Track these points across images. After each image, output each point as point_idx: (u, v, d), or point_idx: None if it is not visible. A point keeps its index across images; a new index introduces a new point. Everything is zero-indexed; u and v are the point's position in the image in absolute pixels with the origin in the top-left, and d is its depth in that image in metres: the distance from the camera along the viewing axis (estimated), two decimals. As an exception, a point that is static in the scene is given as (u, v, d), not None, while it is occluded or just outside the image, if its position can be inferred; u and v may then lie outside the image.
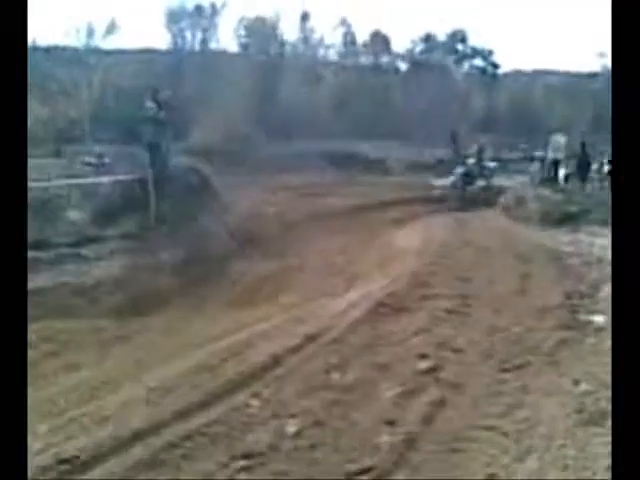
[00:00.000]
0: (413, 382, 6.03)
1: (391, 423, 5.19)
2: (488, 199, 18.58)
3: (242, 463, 4.62)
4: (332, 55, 30.34)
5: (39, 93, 20.84)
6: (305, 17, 29.20)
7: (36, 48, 24.42)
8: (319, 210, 14.29)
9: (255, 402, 5.64)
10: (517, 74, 32.82)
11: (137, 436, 4.97)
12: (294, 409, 5.47)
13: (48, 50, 24.54)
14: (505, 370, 6.34)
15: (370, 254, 11.92)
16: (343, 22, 29.50)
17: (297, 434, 5.06)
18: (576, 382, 5.69)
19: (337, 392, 5.83)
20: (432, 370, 6.32)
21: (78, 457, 4.65)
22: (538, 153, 20.90)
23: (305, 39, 29.39)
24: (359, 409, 5.49)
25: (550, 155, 18.97)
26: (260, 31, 27.45)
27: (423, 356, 6.65)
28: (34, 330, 7.95)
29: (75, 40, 26.02)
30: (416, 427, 5.13)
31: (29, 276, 9.08)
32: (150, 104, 12.95)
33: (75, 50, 25.44)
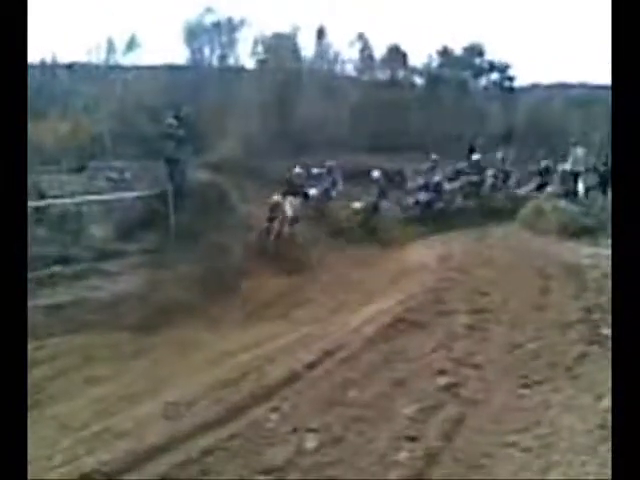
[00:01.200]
0: (432, 398, 6.01)
1: (411, 439, 5.17)
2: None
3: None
4: (349, 70, 30.44)
5: (60, 109, 21.12)
6: (321, 33, 29.37)
7: (57, 65, 24.82)
8: (335, 225, 14.18)
9: (274, 417, 5.66)
10: (535, 87, 32.64)
11: (157, 451, 5.00)
12: (313, 424, 5.47)
13: (70, 67, 24.90)
14: (525, 386, 6.30)
15: (386, 269, 11.81)
16: (360, 37, 29.59)
17: (316, 450, 5.06)
18: (598, 397, 5.63)
19: (355, 408, 5.82)
20: (451, 386, 6.30)
21: (99, 471, 4.69)
22: (555, 165, 20.61)
23: (322, 54, 29.54)
24: (378, 425, 5.47)
25: (569, 168, 18.81)
26: (277, 47, 27.62)
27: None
28: (55, 344, 8.07)
29: (95, 57, 26.37)
30: (436, 443, 5.11)
31: (51, 290, 9.33)
32: (170, 120, 13.07)
33: (96, 67, 25.73)
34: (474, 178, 18.59)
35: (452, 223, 16.29)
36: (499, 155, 19.63)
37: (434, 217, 16.74)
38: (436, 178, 17.74)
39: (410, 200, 17.37)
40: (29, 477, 4.55)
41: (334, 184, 15.78)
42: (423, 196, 17.37)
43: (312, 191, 14.50)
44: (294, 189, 12.97)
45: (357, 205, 15.29)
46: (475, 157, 18.99)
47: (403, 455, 4.94)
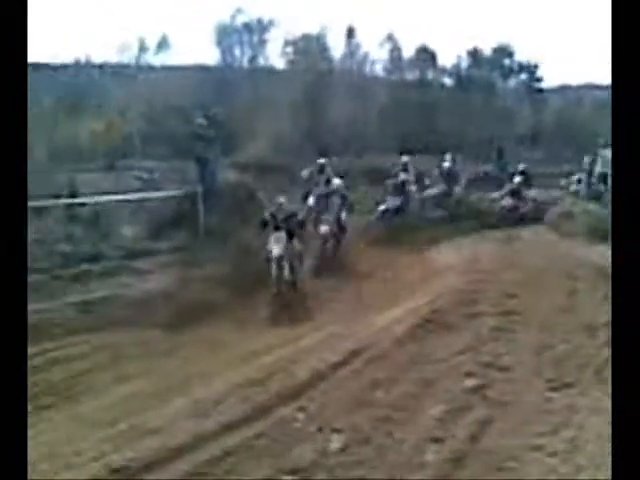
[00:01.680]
0: (460, 400, 6.01)
1: (437, 441, 5.18)
2: None
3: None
4: (378, 70, 30.37)
5: (92, 109, 21.37)
6: (351, 33, 29.35)
7: (90, 64, 25.11)
8: (360, 226, 14.02)
9: (301, 416, 5.70)
10: (565, 88, 32.31)
11: (184, 448, 5.07)
12: (339, 424, 5.50)
13: (101, 67, 25.18)
14: (553, 389, 6.26)
15: (411, 271, 11.70)
16: (389, 37, 29.51)
17: (342, 450, 5.09)
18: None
19: (382, 408, 5.83)
20: (479, 388, 6.29)
21: (128, 467, 4.76)
22: (585, 167, 20.18)
23: (351, 55, 29.53)
24: (404, 426, 5.48)
25: (598, 170, 18.58)
26: (307, 48, 27.65)
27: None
28: (85, 341, 8.20)
29: (127, 57, 26.63)
30: (462, 445, 5.10)
31: (83, 288, 9.48)
32: (200, 121, 13.18)
33: (127, 66, 25.99)
34: (442, 187, 17.44)
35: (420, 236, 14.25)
36: (448, 157, 18.08)
37: (401, 231, 14.43)
38: (401, 177, 16.11)
39: (381, 208, 15.47)
40: (60, 474, 4.70)
41: (327, 182, 13.57)
42: (391, 202, 15.58)
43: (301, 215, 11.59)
44: (280, 224, 10.48)
45: (323, 229, 12.23)
46: (446, 164, 17.68)
47: (429, 457, 4.95)
